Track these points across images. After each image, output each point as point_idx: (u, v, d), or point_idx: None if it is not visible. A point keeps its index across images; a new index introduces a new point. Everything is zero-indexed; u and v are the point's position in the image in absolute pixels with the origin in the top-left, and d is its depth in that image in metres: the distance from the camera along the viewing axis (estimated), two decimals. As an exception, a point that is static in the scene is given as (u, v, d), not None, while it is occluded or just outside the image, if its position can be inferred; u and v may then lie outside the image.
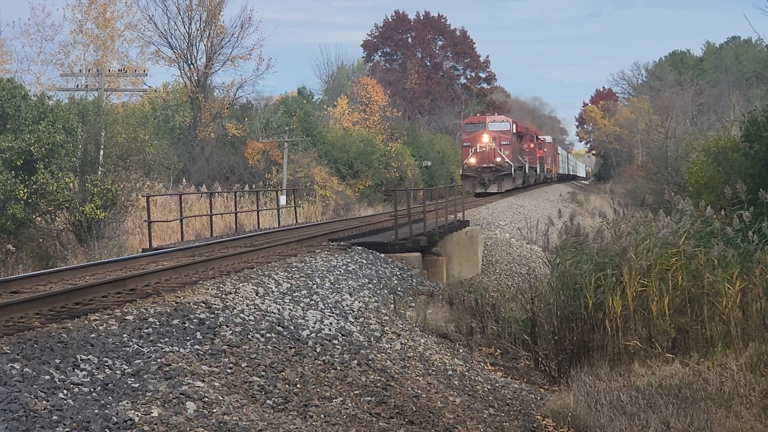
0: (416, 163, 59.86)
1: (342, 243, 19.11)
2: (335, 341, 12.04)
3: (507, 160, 49.66)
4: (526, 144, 59.90)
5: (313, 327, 12.28)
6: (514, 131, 51.92)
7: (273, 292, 13.44)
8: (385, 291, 16.25)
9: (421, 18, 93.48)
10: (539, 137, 75.88)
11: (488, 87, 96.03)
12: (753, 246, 15.16)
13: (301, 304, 13.32)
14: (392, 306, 15.46)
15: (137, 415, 7.69)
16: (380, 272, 17.33)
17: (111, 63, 48.45)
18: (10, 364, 8.04)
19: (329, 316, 13.24)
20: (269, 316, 12.09)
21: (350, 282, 15.67)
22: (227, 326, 10.95)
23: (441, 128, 79.98)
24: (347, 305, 14.28)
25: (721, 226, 15.79)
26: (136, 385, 8.41)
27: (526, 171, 58.20)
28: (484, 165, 49.41)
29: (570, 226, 16.43)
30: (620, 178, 76.82)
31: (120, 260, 16.61)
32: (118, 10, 51.30)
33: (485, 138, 49.44)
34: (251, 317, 11.70)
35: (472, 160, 49.53)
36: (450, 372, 13.10)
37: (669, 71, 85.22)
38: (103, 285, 12.27)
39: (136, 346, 9.48)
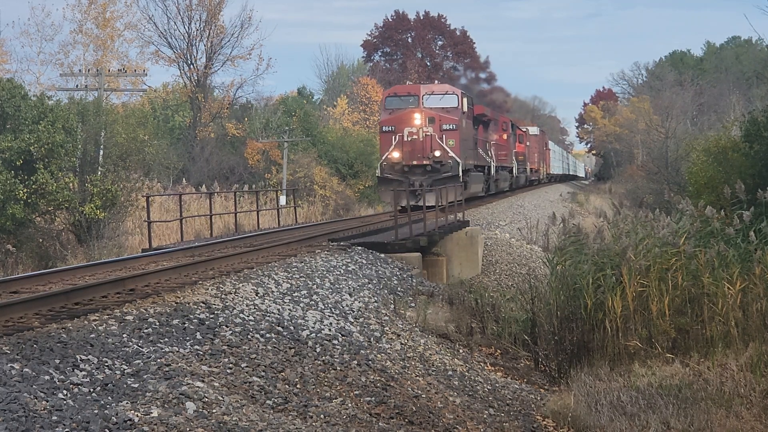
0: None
1: (342, 243, 19.11)
2: (335, 341, 12.03)
3: (452, 153, 30.99)
4: (494, 134, 44.30)
5: (312, 327, 12.27)
6: (465, 109, 33.37)
7: (273, 292, 13.43)
8: (385, 291, 16.24)
9: (421, 18, 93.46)
10: (520, 128, 59.37)
11: (488, 87, 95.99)
12: (753, 246, 15.15)
13: (301, 305, 13.32)
14: (392, 306, 15.46)
15: (137, 416, 7.69)
16: (380, 272, 17.33)
17: (111, 63, 48.48)
18: (9, 365, 8.03)
19: (329, 316, 13.23)
20: (269, 316, 12.09)
21: (350, 282, 15.67)
22: (227, 326, 10.94)
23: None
24: (347, 305, 14.27)
25: (721, 226, 15.78)
26: (136, 386, 8.40)
27: (493, 172, 41.39)
28: (414, 162, 30.91)
29: (569, 227, 16.42)
30: (620, 178, 76.77)
31: (120, 260, 16.60)
32: (117, 10, 51.29)
33: (417, 119, 31.11)
34: (251, 317, 11.69)
35: (395, 155, 30.80)
36: (450, 372, 13.10)
37: (669, 71, 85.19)
38: (102, 285, 12.26)
39: (135, 347, 9.48)
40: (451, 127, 31.39)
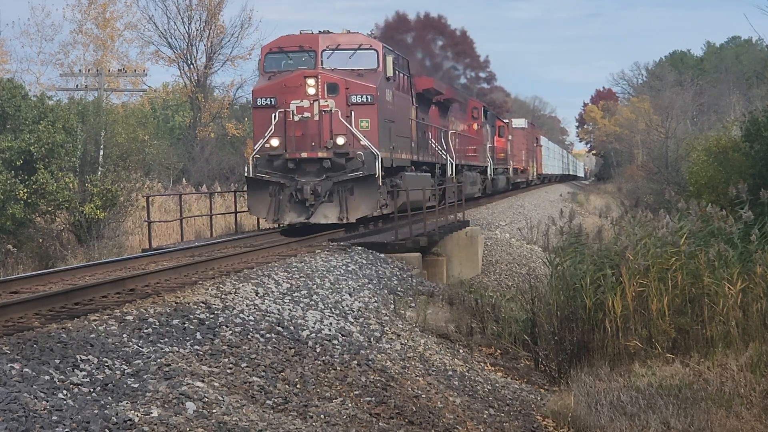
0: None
1: (342, 243, 19.11)
2: (335, 341, 12.03)
3: (365, 141, 20.87)
4: (458, 122, 34.40)
5: (312, 327, 12.27)
6: (390, 74, 22.20)
7: (273, 292, 13.43)
8: (385, 291, 16.24)
9: (421, 18, 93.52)
10: (500, 118, 51.22)
11: (488, 87, 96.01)
12: (754, 246, 15.15)
13: (301, 305, 13.32)
14: (392, 306, 15.46)
15: (137, 416, 7.68)
16: (380, 272, 17.33)
17: (111, 63, 48.49)
18: (9, 365, 8.03)
19: (329, 316, 13.23)
20: (269, 316, 12.09)
21: (350, 282, 15.67)
22: (227, 326, 10.94)
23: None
24: (347, 305, 14.28)
25: (722, 226, 15.78)
26: (136, 386, 8.40)
27: (450, 172, 29.53)
28: (305, 155, 20.71)
29: (570, 227, 16.41)
30: (620, 178, 76.76)
31: (120, 260, 16.60)
32: (117, 10, 51.32)
33: (311, 87, 20.84)
34: (251, 317, 11.69)
35: (274, 143, 20.85)
36: (450, 372, 13.09)
37: (669, 71, 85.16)
38: (102, 285, 12.26)
39: (135, 347, 9.48)
40: (365, 100, 20.81)
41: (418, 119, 26.58)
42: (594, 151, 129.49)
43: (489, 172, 41.44)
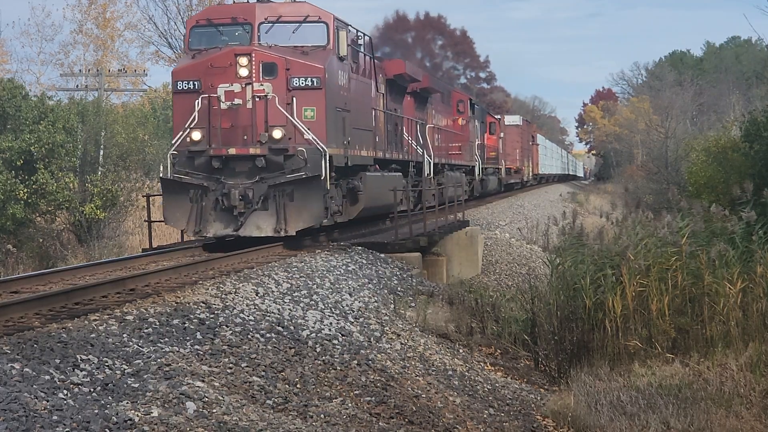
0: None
1: (342, 243, 19.11)
2: (335, 341, 12.04)
3: (310, 135, 17.13)
4: (440, 116, 30.92)
5: (313, 327, 12.28)
6: (343, 53, 18.35)
7: (273, 292, 13.44)
8: (385, 291, 16.25)
9: (421, 18, 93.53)
10: (491, 113, 48.62)
11: (488, 87, 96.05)
12: (755, 245, 15.16)
13: (301, 304, 13.32)
14: (392, 306, 15.47)
15: (137, 415, 7.69)
16: (380, 272, 17.34)
17: (111, 63, 48.57)
18: (10, 364, 8.04)
19: (329, 316, 13.24)
20: (269, 316, 12.09)
21: (350, 282, 15.68)
22: (227, 326, 10.95)
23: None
24: (347, 305, 14.28)
25: (724, 226, 15.80)
26: (136, 385, 8.41)
27: (427, 172, 25.90)
28: (233, 151, 17.13)
29: (571, 227, 16.43)
30: (620, 178, 76.78)
31: (120, 260, 16.60)
32: (118, 10, 51.43)
33: (243, 67, 17.18)
34: (251, 317, 11.70)
35: (196, 136, 17.24)
36: (450, 372, 13.10)
37: (669, 71, 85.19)
38: (103, 285, 12.27)
39: (136, 346, 9.48)
40: (310, 84, 17.20)
41: (388, 110, 23.02)
42: (594, 151, 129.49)
43: (477, 172, 37.31)
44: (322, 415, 9.39)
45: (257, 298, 12.80)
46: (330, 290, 14.70)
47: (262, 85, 17.20)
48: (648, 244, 15.27)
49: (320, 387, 10.23)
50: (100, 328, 9.82)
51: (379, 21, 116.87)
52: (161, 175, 18.00)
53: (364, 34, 20.90)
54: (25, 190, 27.30)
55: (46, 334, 9.25)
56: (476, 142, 37.80)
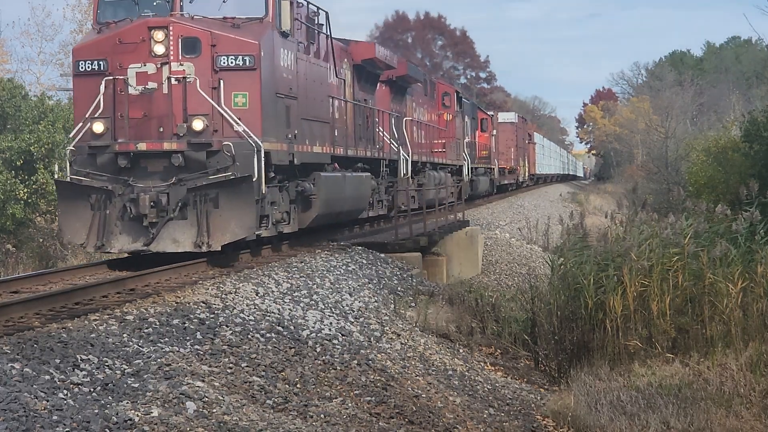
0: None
1: (342, 243, 19.10)
2: (335, 341, 12.04)
3: (240, 126, 14.17)
4: (419, 109, 27.95)
5: (313, 327, 12.28)
6: (286, 27, 15.31)
7: (273, 292, 13.44)
8: (385, 291, 16.25)
9: (421, 18, 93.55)
10: (483, 109, 46.04)
11: (488, 87, 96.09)
12: (757, 245, 15.16)
13: (301, 304, 13.32)
14: (392, 306, 15.47)
15: (137, 415, 7.69)
16: (380, 272, 17.34)
17: (111, 63, 48.41)
18: (10, 364, 8.04)
19: (329, 316, 13.24)
20: (269, 316, 12.09)
21: (350, 282, 15.68)
22: (227, 326, 10.95)
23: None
24: (347, 305, 14.28)
25: (728, 226, 15.81)
26: (136, 385, 8.41)
27: (404, 172, 23.54)
28: (144, 147, 14.14)
29: (575, 227, 16.42)
30: (620, 178, 76.77)
31: (120, 260, 16.58)
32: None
33: (159, 44, 14.16)
34: (251, 317, 11.70)
35: (98, 128, 14.20)
36: (450, 372, 13.10)
37: (669, 71, 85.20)
38: (103, 285, 12.26)
39: (136, 346, 9.48)
40: (242, 64, 14.38)
41: (356, 100, 20.49)
42: (594, 151, 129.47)
43: (465, 172, 34.28)
44: (322, 415, 9.39)
45: (257, 298, 12.80)
46: (330, 290, 14.70)
47: (181, 65, 14.24)
48: (651, 245, 15.28)
49: (320, 387, 10.23)
50: (100, 328, 9.82)
51: (379, 21, 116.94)
52: (56, 176, 14.99)
53: (318, 8, 17.78)
54: (25, 190, 27.27)
55: (46, 334, 9.25)
56: (465, 140, 35.14)
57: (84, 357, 8.73)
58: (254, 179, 14.07)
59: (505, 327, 16.28)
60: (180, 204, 14.01)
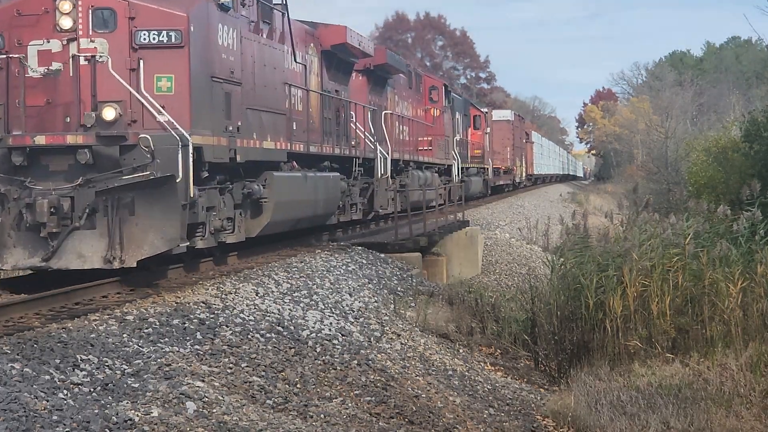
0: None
1: (342, 243, 19.09)
2: (335, 341, 12.04)
3: (162, 116, 11.96)
4: (402, 102, 26.26)
5: (313, 327, 12.28)
6: (236, 4, 13.70)
7: (273, 292, 13.44)
8: (385, 291, 16.25)
9: (421, 18, 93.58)
10: (476, 106, 44.19)
11: (488, 87, 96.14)
12: (757, 245, 15.17)
13: (301, 304, 13.33)
14: (392, 306, 15.47)
15: (137, 415, 7.69)
16: (380, 272, 17.34)
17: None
18: (10, 364, 8.04)
19: (329, 316, 13.24)
20: (269, 316, 12.09)
21: (350, 282, 15.68)
22: (227, 326, 10.95)
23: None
24: (347, 305, 14.29)
25: (728, 226, 15.82)
26: (136, 385, 8.41)
27: (381, 172, 21.47)
28: (42, 139, 11.79)
29: (578, 228, 16.42)
30: (620, 179, 76.79)
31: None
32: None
33: (65, 17, 11.94)
34: (251, 317, 11.70)
35: None
36: (450, 372, 13.10)
37: (669, 71, 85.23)
38: (103, 285, 12.25)
39: (136, 346, 9.48)
40: (167, 40, 12.23)
41: (325, 90, 18.48)
42: (594, 151, 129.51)
43: (455, 173, 32.02)
44: (322, 415, 9.39)
45: (257, 298, 12.80)
46: (330, 290, 14.70)
47: (92, 41, 12.03)
48: (652, 245, 15.29)
49: (320, 387, 10.22)
50: (100, 328, 9.82)
51: (379, 21, 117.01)
52: None
53: None
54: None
55: (46, 334, 9.25)
56: (455, 138, 33.04)
57: (84, 357, 8.73)
58: (179, 179, 11.70)
59: (505, 327, 16.28)
60: (87, 210, 11.61)
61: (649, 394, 12.61)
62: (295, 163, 16.53)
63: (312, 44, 18.04)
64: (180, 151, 11.81)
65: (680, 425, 11.63)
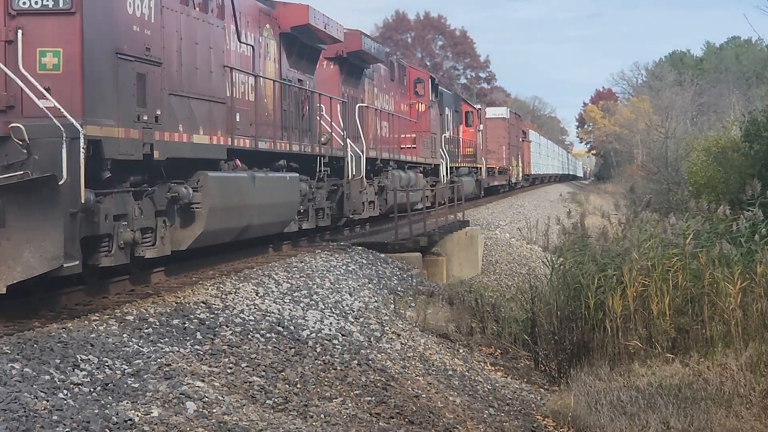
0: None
1: (342, 243, 19.09)
2: (335, 341, 12.04)
3: (50, 100, 9.35)
4: (383, 95, 24.16)
5: (313, 327, 12.28)
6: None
7: (273, 292, 13.44)
8: (385, 291, 16.25)
9: (421, 18, 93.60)
10: (469, 102, 42.03)
11: (488, 87, 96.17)
12: (756, 245, 15.17)
13: (301, 304, 13.33)
14: (392, 306, 15.47)
15: (137, 415, 7.69)
16: (380, 272, 17.34)
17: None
18: (10, 364, 8.04)
19: (329, 316, 13.24)
20: (269, 316, 12.09)
21: (350, 282, 15.68)
22: (227, 326, 10.95)
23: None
24: (347, 305, 14.29)
25: (728, 226, 15.83)
26: (136, 385, 8.41)
27: (353, 172, 19.06)
28: None
29: (577, 227, 16.43)
30: (620, 179, 76.81)
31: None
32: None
33: None
34: (251, 317, 11.70)
35: None
36: (450, 372, 13.11)
37: (669, 71, 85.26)
38: (103, 285, 12.23)
39: (136, 346, 9.48)
40: (53, 4, 9.65)
41: (285, 78, 16.51)
42: (594, 151, 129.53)
43: (442, 173, 29.68)
44: (322, 415, 9.39)
45: (257, 298, 12.81)
46: (330, 290, 14.70)
47: None
48: (652, 245, 15.29)
49: (320, 387, 10.23)
50: (100, 328, 9.82)
51: (379, 21, 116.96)
52: None
53: None
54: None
55: (46, 334, 9.25)
56: (443, 135, 30.78)
57: (84, 357, 8.73)
58: (62, 181, 9.23)
59: (505, 327, 16.28)
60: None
61: (649, 394, 12.61)
62: (239, 161, 14.32)
63: (268, 25, 15.85)
64: (65, 145, 9.28)
65: (680, 425, 11.63)
